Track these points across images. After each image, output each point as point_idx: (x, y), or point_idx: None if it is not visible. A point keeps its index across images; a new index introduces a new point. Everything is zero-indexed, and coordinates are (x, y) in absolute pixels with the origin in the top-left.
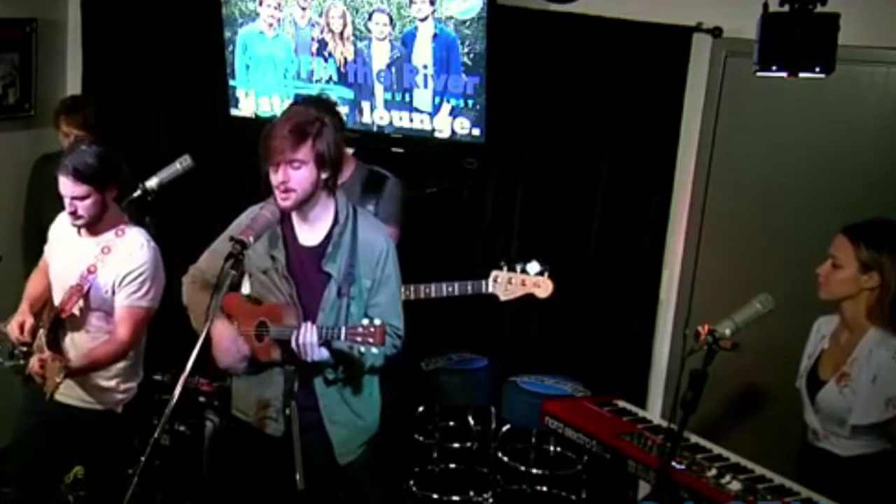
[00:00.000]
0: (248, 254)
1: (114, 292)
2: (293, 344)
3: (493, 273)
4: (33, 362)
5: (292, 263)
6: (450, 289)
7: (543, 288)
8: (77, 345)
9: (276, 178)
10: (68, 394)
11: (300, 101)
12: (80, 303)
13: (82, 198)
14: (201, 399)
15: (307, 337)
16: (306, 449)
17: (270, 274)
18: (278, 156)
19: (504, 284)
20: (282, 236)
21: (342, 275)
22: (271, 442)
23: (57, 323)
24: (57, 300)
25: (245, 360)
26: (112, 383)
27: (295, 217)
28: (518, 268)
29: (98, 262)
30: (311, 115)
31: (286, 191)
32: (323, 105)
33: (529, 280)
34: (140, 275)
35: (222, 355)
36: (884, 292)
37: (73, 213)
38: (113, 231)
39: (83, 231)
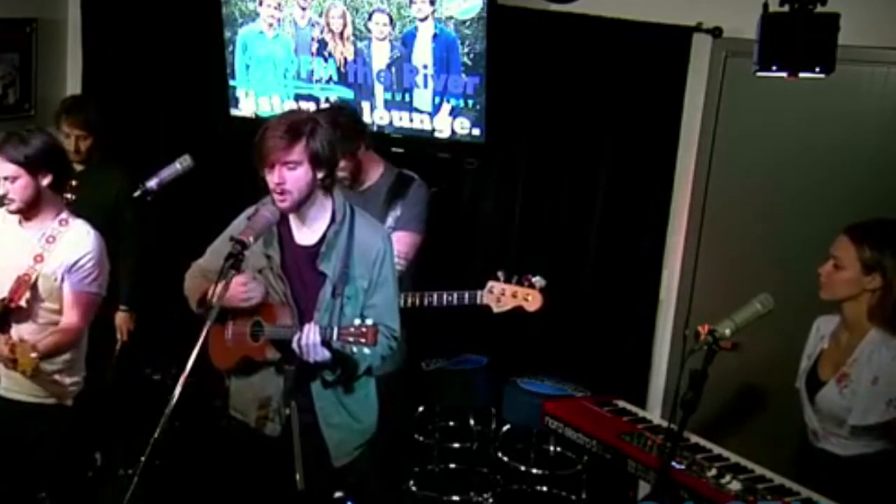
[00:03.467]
0: (245, 253)
1: (62, 280)
2: (294, 345)
3: (490, 283)
4: (1, 348)
5: (287, 263)
6: (449, 298)
7: (533, 301)
8: (24, 335)
9: (271, 179)
10: (17, 389)
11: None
12: (27, 293)
13: (12, 179)
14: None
15: (309, 338)
16: (302, 451)
17: (266, 273)
18: (273, 156)
19: (497, 296)
20: (277, 235)
21: (336, 275)
22: (268, 442)
23: (3, 315)
24: None
25: (262, 292)
26: (58, 376)
27: (292, 217)
28: (514, 279)
29: (44, 251)
30: (304, 115)
31: (282, 192)
32: (335, 110)
33: (520, 292)
34: (89, 261)
35: (238, 295)
36: (886, 294)
37: (5, 195)
38: (56, 220)
39: (24, 221)
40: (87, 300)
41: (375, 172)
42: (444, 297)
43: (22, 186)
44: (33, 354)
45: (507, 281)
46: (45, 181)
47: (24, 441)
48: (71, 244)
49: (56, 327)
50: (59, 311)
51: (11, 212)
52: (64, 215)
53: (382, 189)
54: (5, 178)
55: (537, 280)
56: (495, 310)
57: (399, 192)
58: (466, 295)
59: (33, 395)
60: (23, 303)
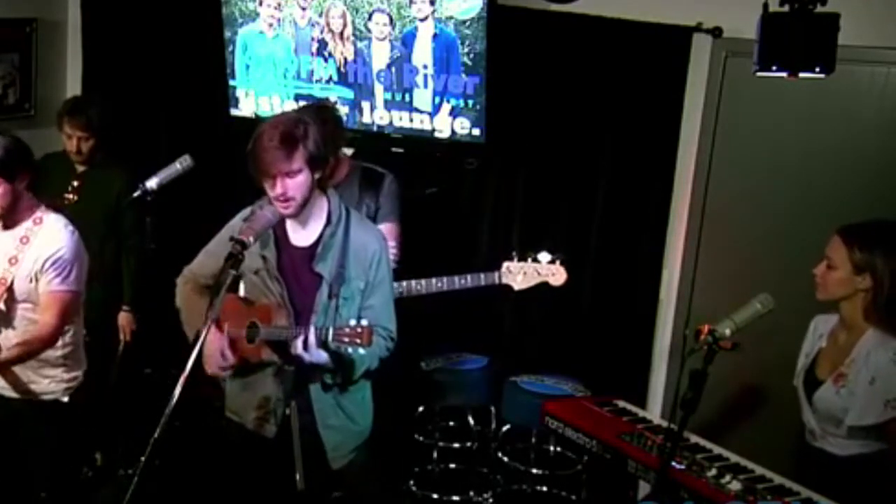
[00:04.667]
0: (244, 254)
1: (36, 280)
2: (292, 350)
3: (505, 264)
4: None
5: (283, 264)
6: (462, 281)
7: (558, 276)
8: (8, 339)
9: (273, 191)
10: (11, 389)
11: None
12: (4, 296)
13: None
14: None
15: (302, 344)
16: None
17: (262, 274)
18: (273, 169)
19: (517, 274)
20: (273, 236)
21: (332, 276)
22: (265, 444)
23: None
24: None
25: (231, 368)
26: (56, 372)
27: (288, 218)
28: (529, 258)
29: (18, 253)
30: (294, 118)
31: (286, 200)
32: (321, 109)
33: (543, 269)
34: (60, 258)
35: (207, 361)
36: (877, 293)
37: None
38: (30, 220)
39: None
40: (63, 299)
41: (344, 168)
42: (457, 280)
43: (2, 195)
44: None
45: (523, 259)
46: (23, 184)
47: (21, 439)
48: (43, 242)
49: (30, 332)
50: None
51: None
52: (39, 213)
53: (354, 184)
54: None
55: (542, 255)
56: (517, 287)
57: (372, 186)
58: (482, 276)
59: (27, 394)
60: (1, 306)
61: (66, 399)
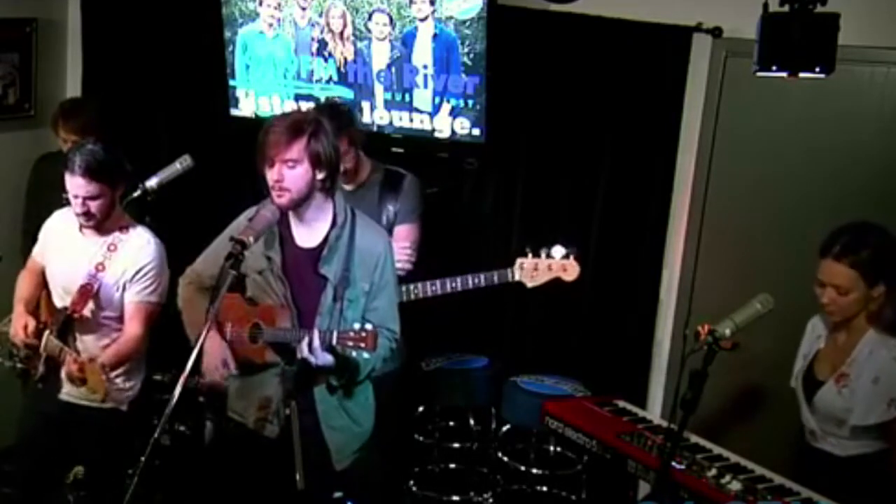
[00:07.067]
0: (245, 254)
1: (123, 289)
2: (298, 353)
3: (519, 260)
4: (70, 366)
5: (288, 265)
6: (475, 280)
7: (570, 271)
8: (87, 345)
9: (270, 175)
10: (77, 394)
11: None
12: (91, 303)
13: (96, 197)
14: (201, 399)
15: (307, 347)
16: (302, 453)
17: (266, 275)
18: (272, 152)
19: (530, 271)
20: (278, 237)
21: (337, 278)
22: (267, 444)
23: (66, 324)
24: (58, 301)
25: (229, 375)
26: (119, 381)
27: (292, 218)
28: (543, 253)
29: (106, 260)
30: (308, 114)
31: (280, 189)
32: (336, 110)
33: (556, 264)
34: (150, 271)
35: (207, 368)
36: (889, 298)
37: (86, 214)
38: (118, 228)
39: (86, 230)
40: (148, 310)
41: (365, 170)
42: (471, 280)
43: (104, 203)
44: (103, 376)
45: (536, 255)
46: (119, 193)
47: (76, 444)
48: (132, 253)
49: (118, 338)
50: (121, 320)
51: (88, 227)
52: (124, 222)
53: (375, 185)
54: (87, 198)
55: (556, 249)
56: (529, 285)
57: (393, 187)
58: (495, 275)
59: (90, 400)
60: (86, 312)
61: (124, 408)
